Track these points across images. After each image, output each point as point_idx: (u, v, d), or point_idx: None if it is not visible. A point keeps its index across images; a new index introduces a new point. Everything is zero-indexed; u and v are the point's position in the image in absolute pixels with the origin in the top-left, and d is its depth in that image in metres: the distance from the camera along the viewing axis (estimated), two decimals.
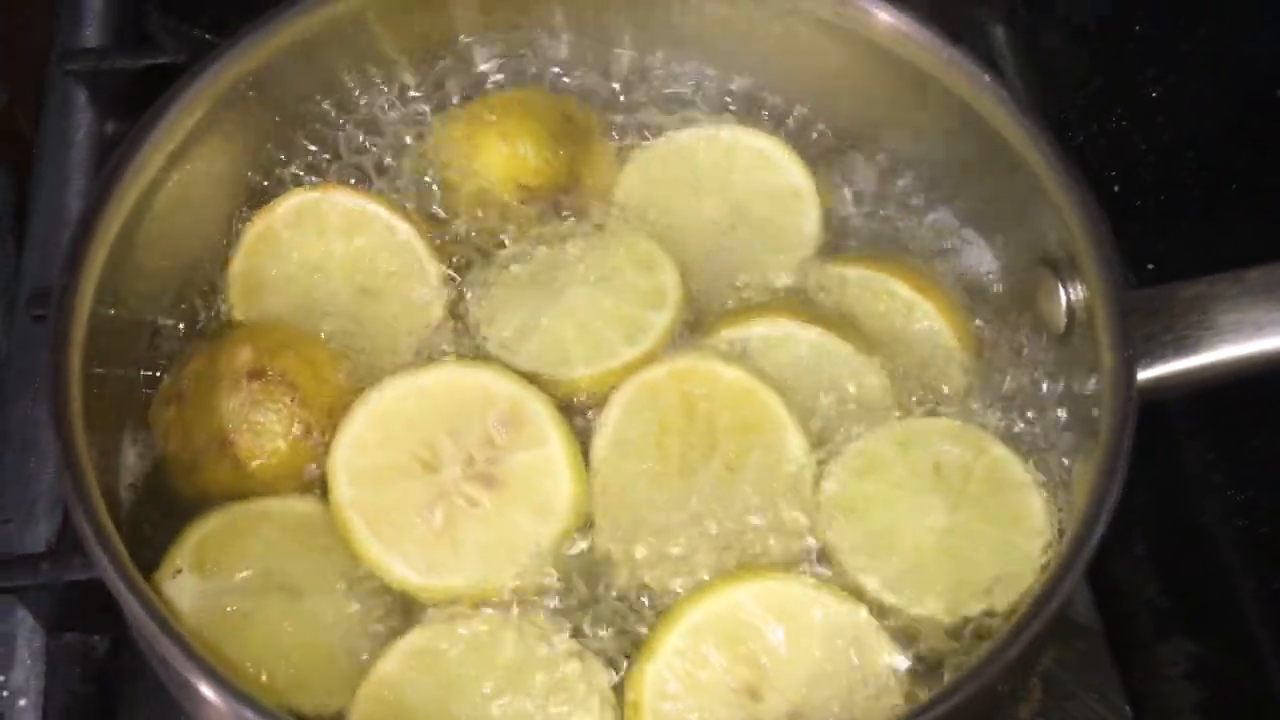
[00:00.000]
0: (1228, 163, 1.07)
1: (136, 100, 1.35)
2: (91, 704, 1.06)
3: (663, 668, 0.84)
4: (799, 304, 1.02)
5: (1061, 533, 0.89)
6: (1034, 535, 0.89)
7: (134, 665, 1.08)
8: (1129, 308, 0.84)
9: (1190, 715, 1.01)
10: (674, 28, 1.09)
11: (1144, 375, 0.84)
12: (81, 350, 0.85)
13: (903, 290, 1.01)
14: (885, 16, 0.97)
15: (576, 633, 0.88)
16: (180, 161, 0.96)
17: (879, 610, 0.87)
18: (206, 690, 0.75)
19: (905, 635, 0.87)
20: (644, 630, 0.88)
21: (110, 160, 0.92)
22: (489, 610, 0.88)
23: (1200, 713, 1.00)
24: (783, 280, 1.03)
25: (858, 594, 0.88)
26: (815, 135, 1.10)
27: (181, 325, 1.01)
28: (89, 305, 0.86)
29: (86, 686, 1.07)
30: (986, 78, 0.94)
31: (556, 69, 1.12)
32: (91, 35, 1.44)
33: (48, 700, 1.05)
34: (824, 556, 0.90)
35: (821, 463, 0.93)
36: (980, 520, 0.90)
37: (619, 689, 0.86)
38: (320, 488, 0.94)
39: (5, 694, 1.06)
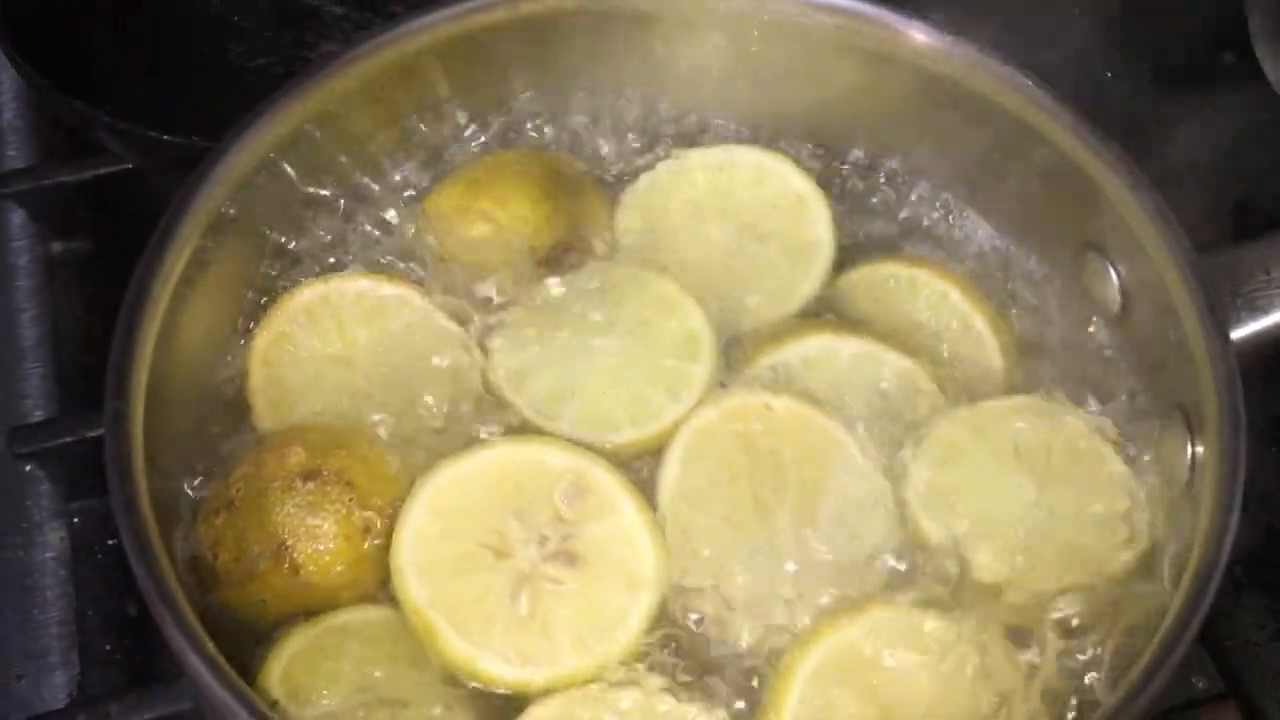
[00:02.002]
0: None
1: (83, 215, 1.30)
2: None
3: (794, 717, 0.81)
4: (827, 315, 1.00)
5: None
6: (1123, 500, 0.89)
7: None
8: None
9: None
10: (663, 69, 1.07)
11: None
12: (142, 465, 0.79)
13: (933, 283, 1.00)
14: (895, 23, 0.95)
15: (690, 698, 0.84)
16: (186, 287, 0.91)
17: (993, 596, 0.86)
18: None
19: (1022, 620, 0.86)
20: (758, 685, 0.85)
21: (127, 298, 0.86)
22: (594, 687, 0.83)
23: None
24: (807, 289, 1.01)
25: (969, 588, 0.86)
26: (822, 150, 1.08)
27: (212, 448, 0.95)
28: (140, 437, 0.80)
29: None
30: (1009, 69, 0.92)
31: (528, 130, 1.09)
32: (15, 154, 1.37)
33: None
34: (924, 557, 0.88)
35: (896, 469, 0.91)
36: (1070, 492, 0.89)
37: None
38: (384, 592, 0.88)
39: None
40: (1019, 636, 0.86)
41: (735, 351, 0.98)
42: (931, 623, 0.85)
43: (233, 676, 0.74)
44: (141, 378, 0.82)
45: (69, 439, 1.10)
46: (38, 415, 1.20)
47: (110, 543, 1.15)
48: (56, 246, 1.30)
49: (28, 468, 1.17)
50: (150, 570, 0.76)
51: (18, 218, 1.31)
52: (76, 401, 1.21)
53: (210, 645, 0.75)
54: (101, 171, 1.26)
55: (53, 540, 1.15)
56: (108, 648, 1.10)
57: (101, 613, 1.12)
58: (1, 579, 1.13)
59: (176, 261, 0.88)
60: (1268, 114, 1.10)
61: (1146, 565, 0.88)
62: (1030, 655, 0.86)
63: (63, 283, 1.29)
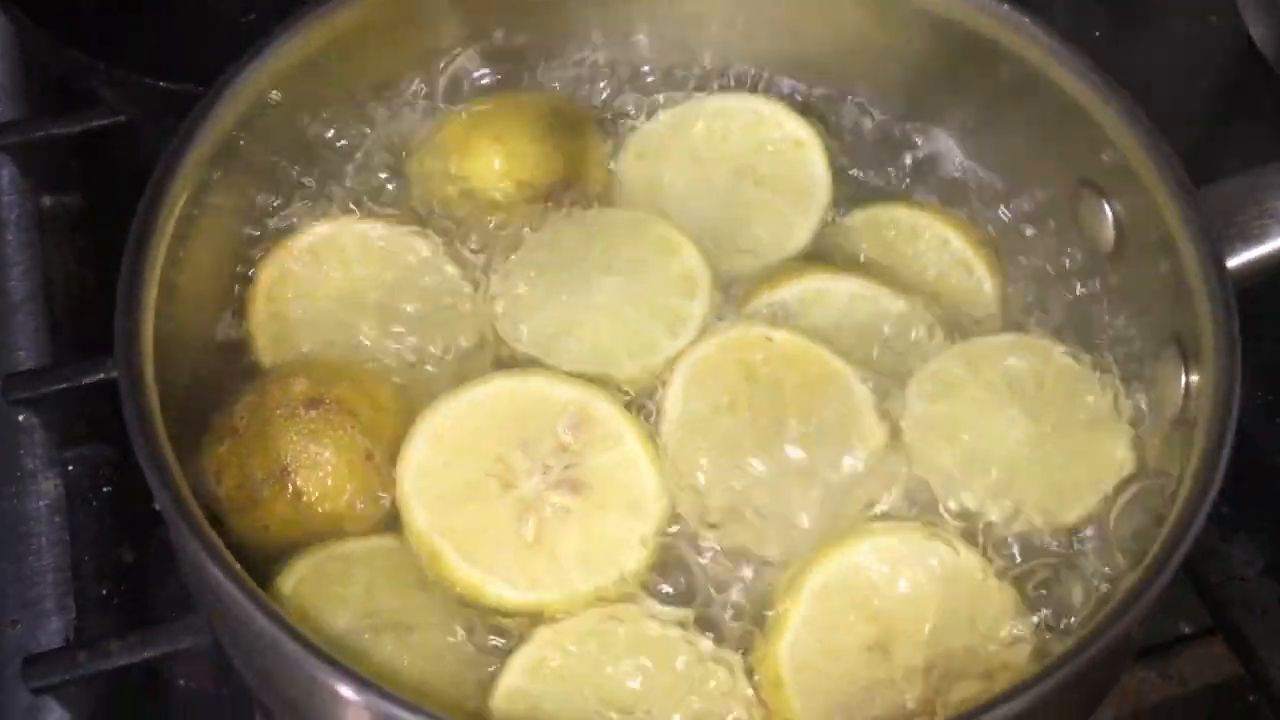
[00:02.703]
0: None
1: (71, 167, 1.30)
2: None
3: (796, 639, 0.83)
4: (828, 257, 1.01)
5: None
6: (1117, 433, 0.91)
7: None
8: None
9: (1277, 612, 1.02)
10: (664, 13, 1.07)
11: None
12: (157, 399, 0.79)
13: (934, 227, 1.01)
14: None
15: (695, 620, 0.85)
16: (190, 222, 0.90)
17: (984, 528, 0.87)
18: (347, 691, 0.69)
19: (1017, 550, 0.87)
20: (761, 605, 0.86)
21: (132, 232, 0.85)
22: (603, 609, 0.84)
23: None
24: (804, 232, 1.02)
25: (959, 516, 0.88)
26: (811, 89, 1.09)
27: (217, 383, 0.95)
28: (151, 367, 0.80)
29: None
30: (1007, 8, 0.94)
31: (543, 67, 1.10)
32: (6, 109, 1.37)
33: None
34: (919, 487, 0.89)
35: (893, 402, 0.93)
36: (1063, 424, 0.91)
37: (749, 670, 0.84)
38: (388, 521, 0.89)
39: None
40: (1011, 564, 0.87)
41: (733, 291, 0.99)
42: (933, 548, 0.86)
43: (237, 568, 0.74)
44: (151, 298, 0.82)
45: (64, 385, 1.10)
46: (30, 367, 1.20)
47: (105, 490, 1.15)
48: (47, 200, 1.30)
49: (21, 416, 1.17)
50: (163, 475, 0.76)
51: (8, 171, 1.31)
52: (68, 353, 1.21)
53: (227, 553, 0.75)
54: (94, 124, 1.25)
55: (47, 489, 1.15)
56: (103, 593, 1.10)
57: (96, 559, 1.12)
58: None
59: (180, 194, 0.88)
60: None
61: (1137, 497, 0.89)
62: (1021, 581, 0.87)
63: (54, 236, 1.29)
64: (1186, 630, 1.05)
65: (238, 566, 0.74)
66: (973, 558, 0.86)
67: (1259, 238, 0.86)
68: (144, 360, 0.80)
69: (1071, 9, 1.16)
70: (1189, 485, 0.77)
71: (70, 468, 1.16)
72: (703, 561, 0.88)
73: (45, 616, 1.09)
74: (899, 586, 0.84)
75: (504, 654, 0.83)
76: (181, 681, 1.08)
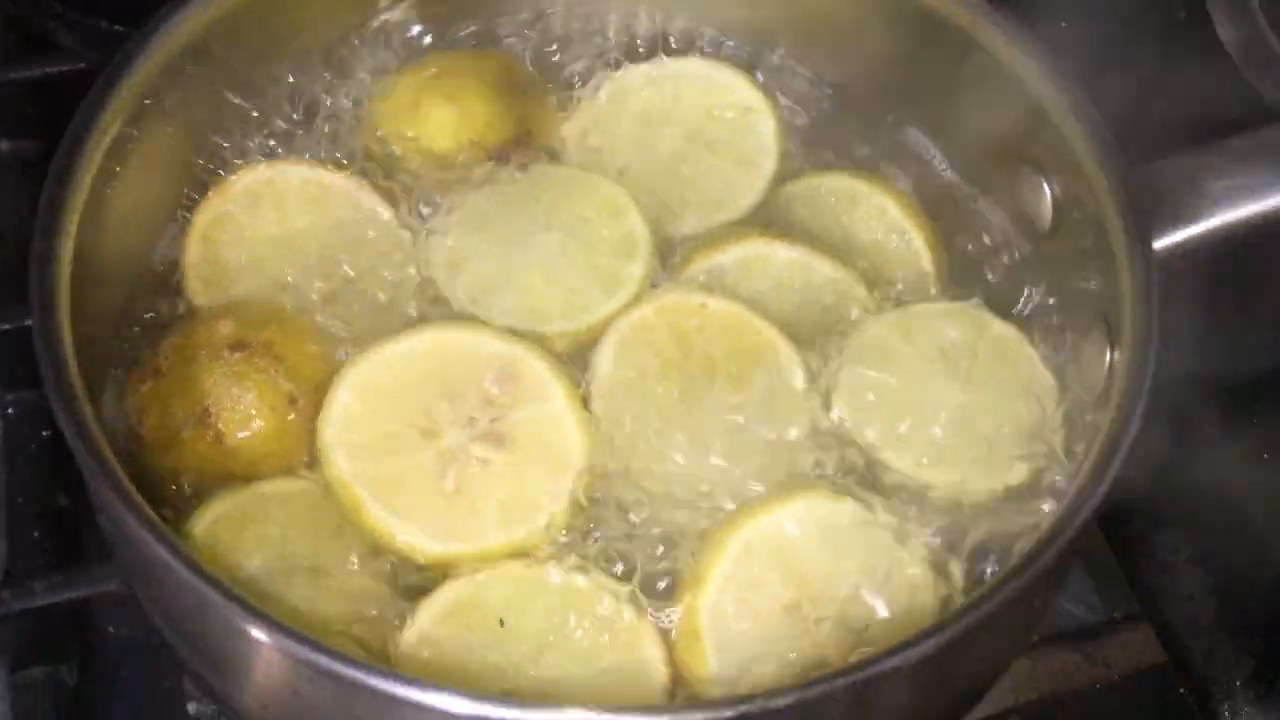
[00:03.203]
0: None
1: (30, 112, 1.29)
2: None
3: (716, 595, 0.83)
4: (766, 223, 1.02)
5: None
6: (1046, 401, 0.91)
7: (107, 691, 1.02)
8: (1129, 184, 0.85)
9: (1204, 599, 1.02)
10: None
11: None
12: (69, 329, 0.79)
13: (873, 197, 1.02)
14: None
15: (610, 577, 0.85)
16: (122, 154, 0.90)
17: (909, 493, 0.88)
18: (259, 634, 0.69)
19: (938, 514, 0.88)
20: (677, 566, 0.86)
21: (57, 158, 0.86)
22: (519, 562, 0.84)
23: (1215, 593, 1.01)
24: (749, 198, 1.03)
25: (888, 480, 0.89)
26: (763, 55, 1.10)
27: (145, 321, 0.95)
28: (66, 294, 0.80)
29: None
30: None
31: (493, 28, 1.10)
32: None
33: None
34: (849, 453, 0.90)
35: (826, 372, 0.93)
36: (993, 394, 0.91)
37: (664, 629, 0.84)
38: (308, 466, 0.89)
39: None
40: (937, 532, 0.87)
41: (672, 255, 0.99)
42: (850, 510, 0.86)
43: (157, 522, 0.74)
44: (71, 226, 0.82)
45: (6, 327, 1.10)
46: None
47: (45, 434, 1.15)
48: (4, 145, 1.29)
49: None
50: (69, 406, 0.76)
51: None
52: (13, 298, 1.21)
53: (133, 491, 0.74)
54: (54, 70, 1.24)
55: None
56: (35, 535, 1.10)
57: (31, 503, 1.12)
58: None
59: (108, 129, 0.87)
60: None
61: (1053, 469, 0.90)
62: (943, 549, 0.88)
63: (9, 181, 1.28)
64: (1115, 616, 1.05)
65: (144, 504, 0.74)
66: (889, 519, 0.86)
67: (1189, 218, 0.86)
68: (58, 292, 0.80)
69: None
70: (1095, 450, 0.77)
71: (10, 411, 1.15)
72: (621, 521, 0.88)
73: None
74: (819, 549, 0.84)
75: (414, 600, 0.83)
76: (111, 629, 1.08)
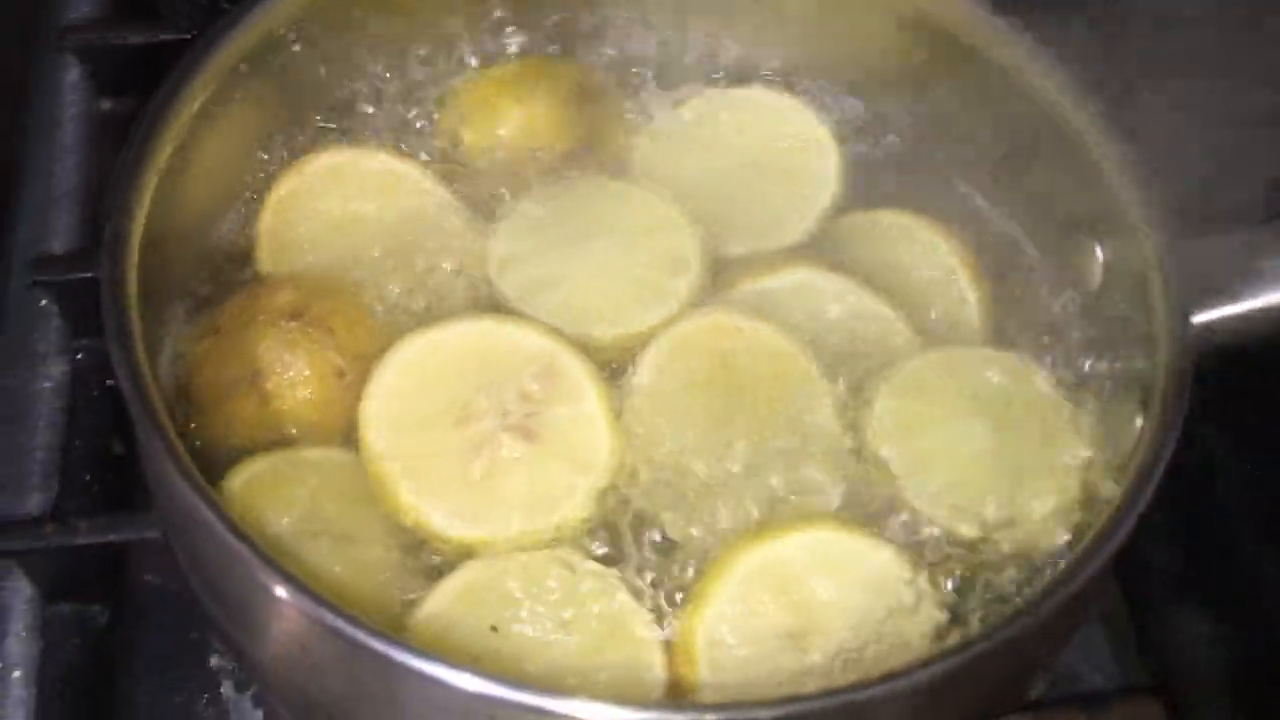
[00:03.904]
0: None
1: (135, 76, 1.34)
2: (88, 677, 1.03)
3: (716, 615, 0.84)
4: (817, 253, 1.03)
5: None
6: (1076, 458, 0.91)
7: (134, 636, 1.05)
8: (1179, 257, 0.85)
9: (1218, 678, 1.01)
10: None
11: (1194, 322, 0.85)
12: (136, 284, 0.83)
13: (925, 236, 1.03)
14: None
15: (620, 580, 0.86)
16: (207, 123, 0.94)
17: (924, 532, 0.89)
18: (285, 595, 0.71)
19: (947, 555, 0.88)
20: (687, 578, 0.88)
21: (143, 117, 0.90)
22: (534, 554, 0.86)
23: (1230, 674, 1.00)
24: (802, 227, 1.05)
25: (903, 517, 0.89)
26: (835, 98, 1.11)
27: (213, 283, 0.99)
28: (136, 252, 0.84)
29: (84, 658, 1.03)
30: (1019, 37, 0.95)
31: (573, 40, 1.13)
32: (84, 11, 1.42)
33: (43, 673, 1.01)
34: (871, 485, 0.90)
35: (858, 403, 0.94)
36: (1023, 446, 0.92)
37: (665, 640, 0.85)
38: (346, 439, 0.91)
39: None
40: (946, 574, 0.88)
41: (721, 275, 1.01)
42: (868, 554, 0.87)
43: (192, 469, 0.77)
44: (148, 186, 0.86)
45: (88, 275, 1.14)
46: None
47: (108, 383, 1.19)
48: (106, 103, 1.34)
49: (43, 301, 1.21)
50: (128, 361, 0.79)
51: (75, 72, 1.35)
52: (97, 248, 1.25)
53: (178, 444, 0.78)
54: (160, 38, 1.29)
55: (54, 372, 1.18)
56: (87, 478, 1.13)
57: (88, 446, 1.15)
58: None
59: (195, 97, 0.92)
60: None
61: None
62: (951, 593, 0.88)
63: (108, 139, 1.33)
64: (1128, 684, 1.04)
65: (184, 454, 0.77)
66: (903, 562, 0.87)
67: (1235, 295, 0.86)
68: (128, 247, 0.83)
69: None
70: (1109, 515, 0.78)
71: (79, 356, 1.19)
72: (639, 528, 0.89)
73: (28, 490, 1.12)
74: (824, 582, 0.85)
75: (432, 579, 0.86)
76: (147, 576, 1.11)
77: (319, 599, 0.72)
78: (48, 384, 1.18)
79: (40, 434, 1.16)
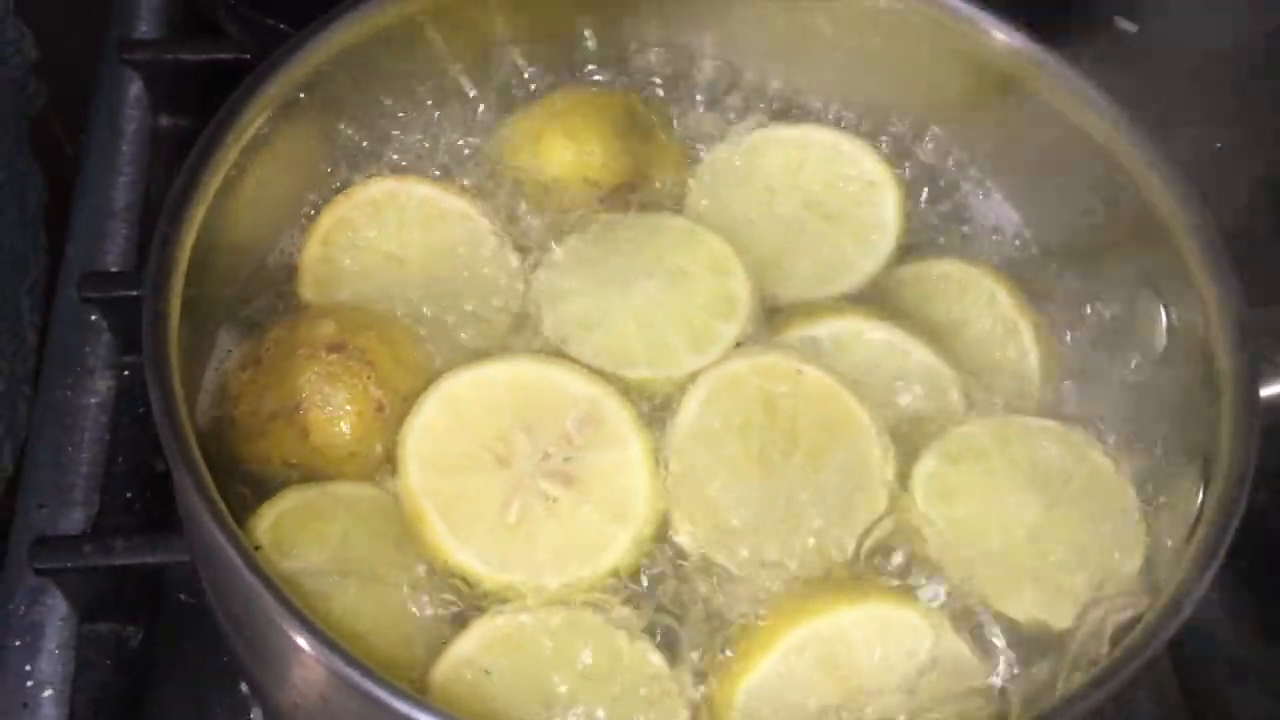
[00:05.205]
0: None
1: (194, 94, 1.35)
2: (121, 697, 1.03)
3: (756, 687, 0.82)
4: (872, 301, 1.01)
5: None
6: (1128, 550, 0.88)
7: (167, 657, 1.05)
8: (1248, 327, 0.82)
9: None
10: (744, 32, 1.08)
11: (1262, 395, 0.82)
12: (177, 312, 0.82)
13: (985, 286, 1.00)
14: (999, 35, 0.96)
15: (655, 634, 0.84)
16: (259, 149, 0.94)
17: (970, 606, 0.86)
18: (306, 646, 0.70)
19: (995, 630, 0.86)
20: (726, 639, 0.85)
21: (199, 142, 0.89)
22: (567, 605, 0.84)
23: None
24: (860, 274, 1.02)
25: (951, 587, 0.86)
26: (898, 145, 1.09)
27: (255, 310, 0.99)
28: (180, 278, 0.83)
29: (117, 679, 1.03)
30: (1095, 92, 0.92)
31: (623, 71, 1.12)
32: (147, 29, 1.43)
33: (75, 692, 1.01)
34: (916, 547, 0.88)
35: (909, 461, 0.92)
36: (1074, 525, 0.89)
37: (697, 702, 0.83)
38: (384, 474, 0.91)
39: (30, 684, 1.02)
40: (995, 657, 0.85)
41: (771, 320, 0.99)
42: (916, 626, 0.84)
43: (220, 508, 0.76)
44: (198, 212, 0.85)
45: (136, 293, 1.14)
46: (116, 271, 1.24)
47: None
48: (164, 120, 1.35)
49: (93, 316, 1.21)
50: (163, 391, 0.79)
51: (135, 87, 1.36)
52: None
53: (209, 480, 0.77)
54: (219, 56, 1.30)
55: (101, 387, 1.19)
56: (129, 495, 1.14)
57: (131, 463, 1.16)
58: (46, 414, 1.16)
59: (249, 125, 0.91)
60: None
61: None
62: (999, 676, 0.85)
63: (163, 155, 1.34)
64: None
65: (212, 489, 0.76)
66: (954, 640, 0.84)
67: None
68: (173, 275, 0.83)
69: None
70: (1167, 596, 0.74)
71: (126, 373, 1.19)
72: (678, 583, 0.88)
73: (70, 506, 1.12)
74: (870, 656, 0.83)
75: (461, 625, 0.84)
76: (181, 596, 1.11)
77: (341, 652, 0.71)
78: (94, 399, 1.19)
79: (85, 449, 1.16)
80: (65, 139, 1.49)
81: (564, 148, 1.02)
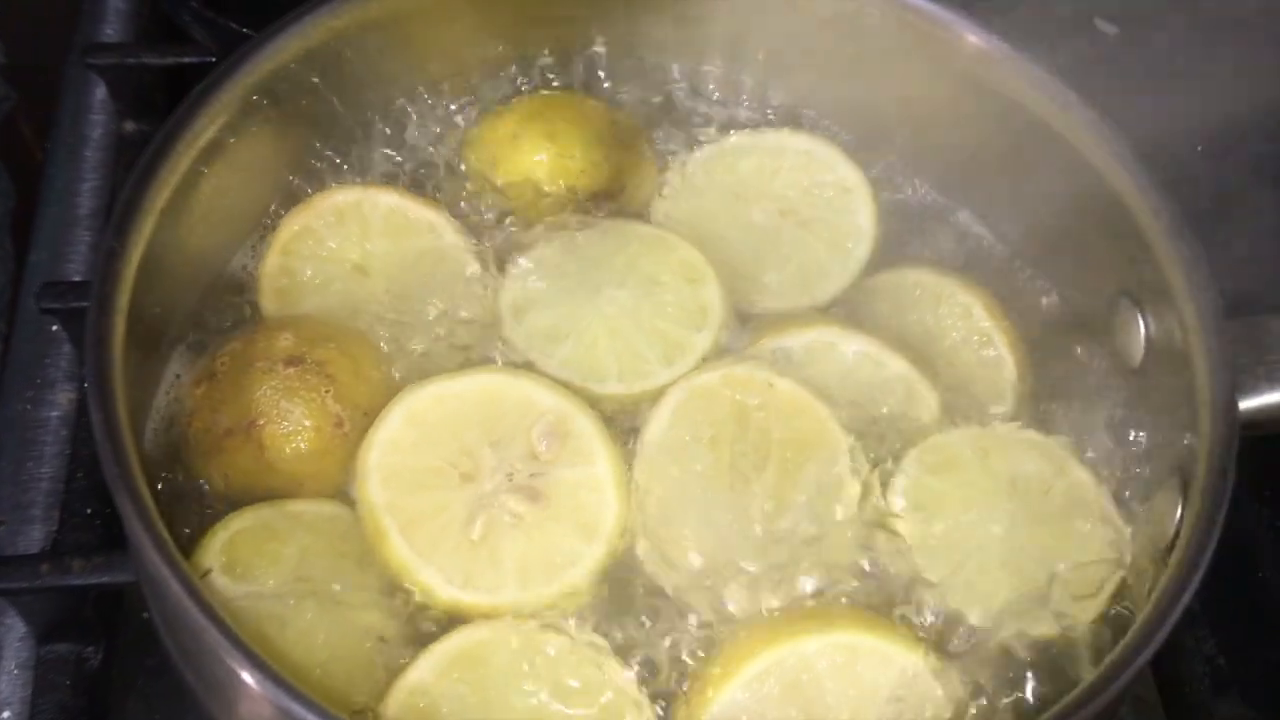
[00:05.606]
0: None
1: (158, 98, 1.32)
2: (81, 717, 0.99)
3: (721, 711, 0.80)
4: (845, 311, 0.99)
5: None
6: (1104, 566, 0.86)
7: (127, 678, 1.02)
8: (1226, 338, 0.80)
9: None
10: (724, 40, 1.07)
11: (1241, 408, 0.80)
12: (123, 332, 0.80)
13: (959, 296, 0.99)
14: (973, 39, 0.94)
15: (621, 655, 0.82)
16: (214, 157, 0.92)
17: (945, 621, 0.84)
18: (250, 680, 0.68)
19: (969, 646, 0.84)
20: (693, 659, 0.83)
21: (147, 151, 0.87)
22: (530, 624, 0.82)
23: None
24: (835, 284, 1.01)
25: (925, 602, 0.85)
26: (873, 151, 1.07)
27: (213, 324, 0.96)
28: (128, 294, 0.81)
29: (77, 700, 1.00)
30: (1074, 99, 0.90)
31: (599, 78, 1.10)
32: (112, 32, 1.40)
33: (34, 713, 0.99)
34: (888, 563, 0.86)
35: (883, 474, 0.90)
36: (1050, 539, 0.87)
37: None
38: (343, 491, 0.88)
39: None
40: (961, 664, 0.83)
41: (744, 330, 0.97)
42: (886, 653, 0.82)
43: (163, 537, 0.73)
44: (145, 226, 0.83)
45: None
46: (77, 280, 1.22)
47: None
48: (129, 125, 1.32)
49: (54, 327, 1.19)
50: (108, 419, 0.76)
51: (100, 91, 1.34)
52: None
53: (152, 508, 0.74)
54: (184, 60, 1.27)
55: (61, 400, 1.17)
56: (89, 511, 1.11)
57: (92, 479, 1.13)
58: (6, 428, 1.14)
59: (202, 133, 0.89)
60: None
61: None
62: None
63: (129, 161, 1.31)
64: None
65: (158, 522, 0.74)
66: (927, 667, 0.82)
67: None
68: (117, 291, 0.80)
69: None
70: (1147, 612, 0.73)
71: (86, 384, 1.17)
72: (645, 602, 0.86)
73: (30, 523, 1.10)
74: (838, 684, 0.81)
75: (423, 645, 0.82)
76: (145, 615, 1.08)
77: (286, 685, 0.69)
78: (55, 413, 1.16)
79: (46, 464, 1.14)
80: (35, 144, 1.47)
81: (543, 149, 1.00)
